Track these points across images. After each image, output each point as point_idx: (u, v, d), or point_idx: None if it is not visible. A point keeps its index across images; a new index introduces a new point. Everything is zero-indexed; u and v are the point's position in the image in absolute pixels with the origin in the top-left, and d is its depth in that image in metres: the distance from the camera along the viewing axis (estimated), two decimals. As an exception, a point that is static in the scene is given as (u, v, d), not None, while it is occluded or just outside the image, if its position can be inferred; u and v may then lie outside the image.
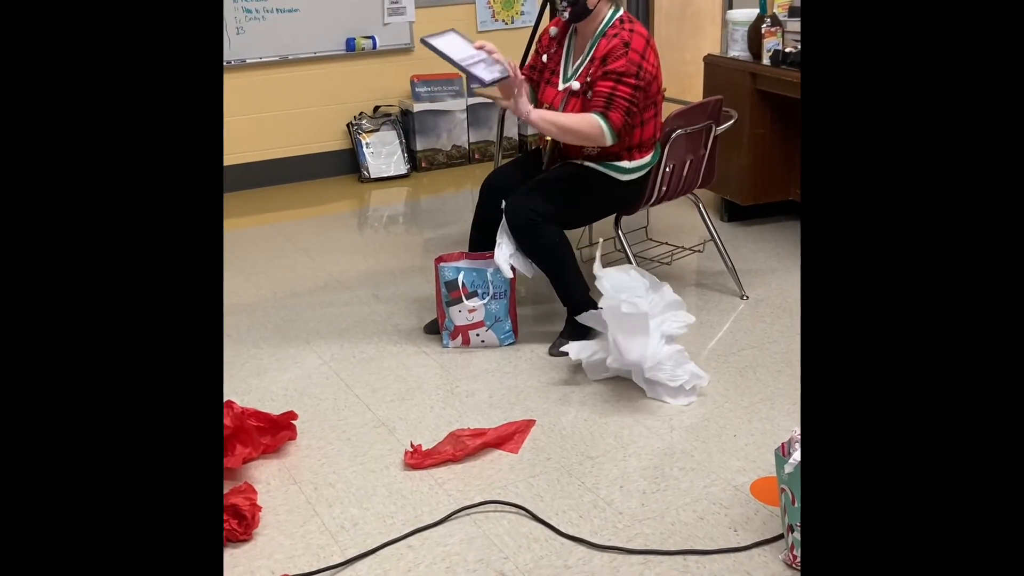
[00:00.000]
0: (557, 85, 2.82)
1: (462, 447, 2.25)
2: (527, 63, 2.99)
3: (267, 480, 2.20)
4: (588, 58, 2.73)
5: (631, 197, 2.91)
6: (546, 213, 2.71)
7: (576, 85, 2.74)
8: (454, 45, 2.73)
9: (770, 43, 3.56)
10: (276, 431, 2.31)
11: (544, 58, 2.90)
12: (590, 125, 2.65)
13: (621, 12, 2.76)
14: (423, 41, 2.72)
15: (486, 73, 2.67)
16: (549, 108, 2.80)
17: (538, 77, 2.92)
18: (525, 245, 2.74)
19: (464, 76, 2.77)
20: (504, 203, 2.76)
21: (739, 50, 3.75)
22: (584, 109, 2.72)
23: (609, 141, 2.69)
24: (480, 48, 2.71)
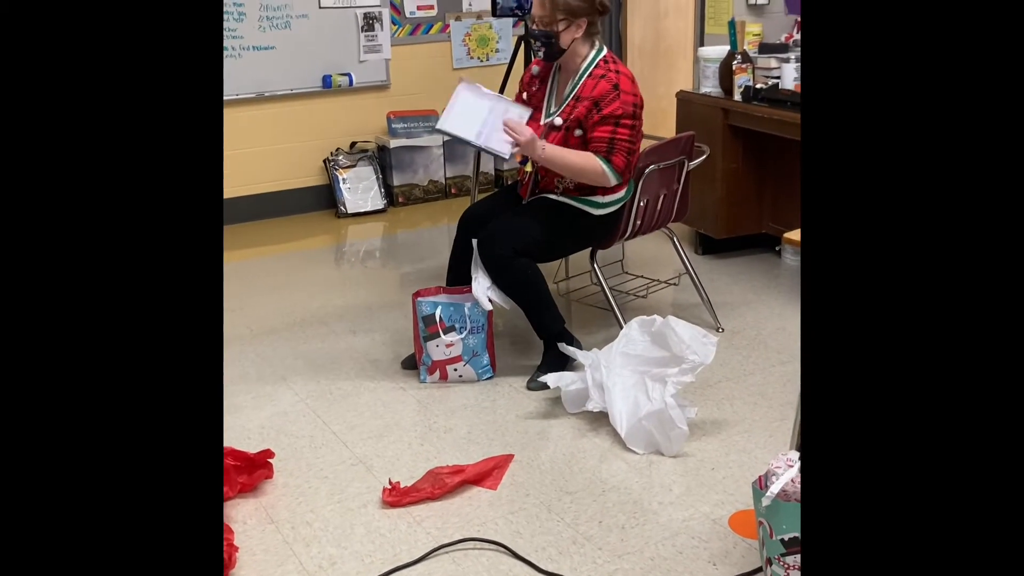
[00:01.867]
0: (539, 120, 2.85)
1: (441, 485, 2.24)
2: (516, 97, 3.02)
3: (243, 519, 2.18)
4: (572, 95, 2.76)
5: (605, 231, 2.93)
6: (518, 247, 2.73)
7: (558, 121, 2.77)
8: (467, 114, 2.75)
9: (741, 79, 3.63)
10: (252, 469, 2.29)
11: (525, 96, 2.94)
12: (593, 168, 2.71)
13: (605, 52, 2.79)
14: (437, 129, 2.79)
15: (504, 146, 2.72)
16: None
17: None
18: (498, 279, 2.76)
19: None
20: (477, 237, 2.78)
21: (711, 86, 3.82)
22: (566, 144, 2.76)
23: (613, 182, 2.75)
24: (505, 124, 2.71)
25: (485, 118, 2.77)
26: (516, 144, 2.69)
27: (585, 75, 2.75)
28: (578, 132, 2.74)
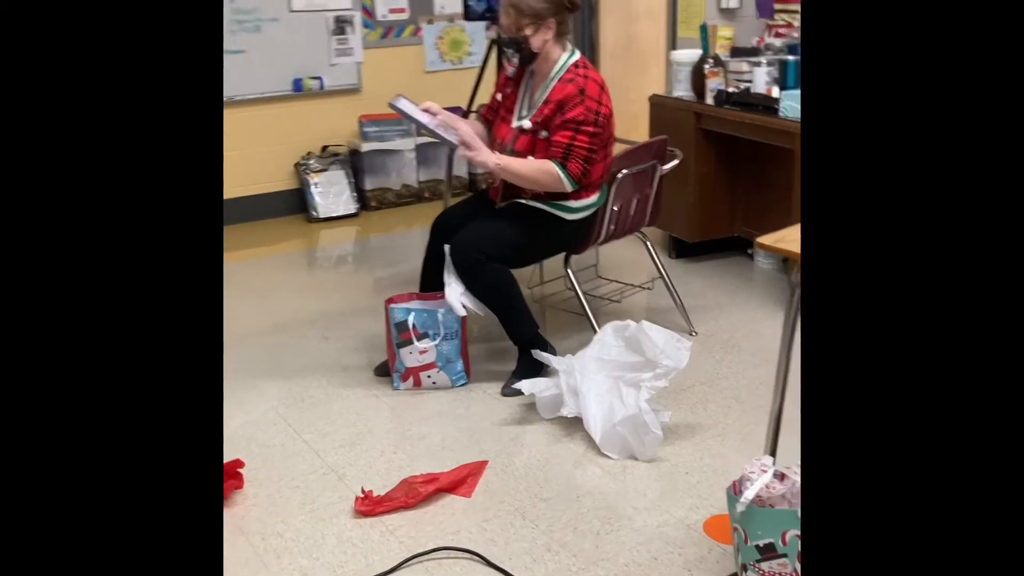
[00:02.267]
0: (511, 122, 2.84)
1: (414, 494, 2.22)
2: (488, 105, 3.01)
3: (213, 531, 2.14)
4: (543, 99, 2.75)
5: (578, 236, 2.93)
6: (491, 252, 2.71)
7: (527, 124, 2.76)
8: (413, 109, 2.78)
9: (713, 83, 3.64)
10: (222, 480, 2.25)
11: (499, 96, 2.93)
12: (548, 174, 2.69)
13: (576, 57, 2.78)
14: (392, 105, 2.78)
15: (451, 135, 2.74)
16: (500, 144, 2.83)
17: (494, 116, 2.95)
18: (470, 284, 2.74)
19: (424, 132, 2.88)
20: (449, 242, 2.76)
21: (683, 90, 3.83)
22: (534, 147, 2.74)
23: (568, 188, 2.72)
24: (426, 111, 2.75)
25: (428, 119, 2.78)
26: (467, 149, 2.68)
27: (556, 79, 2.74)
28: (543, 134, 2.74)
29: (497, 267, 2.73)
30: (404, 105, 2.75)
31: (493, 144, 2.88)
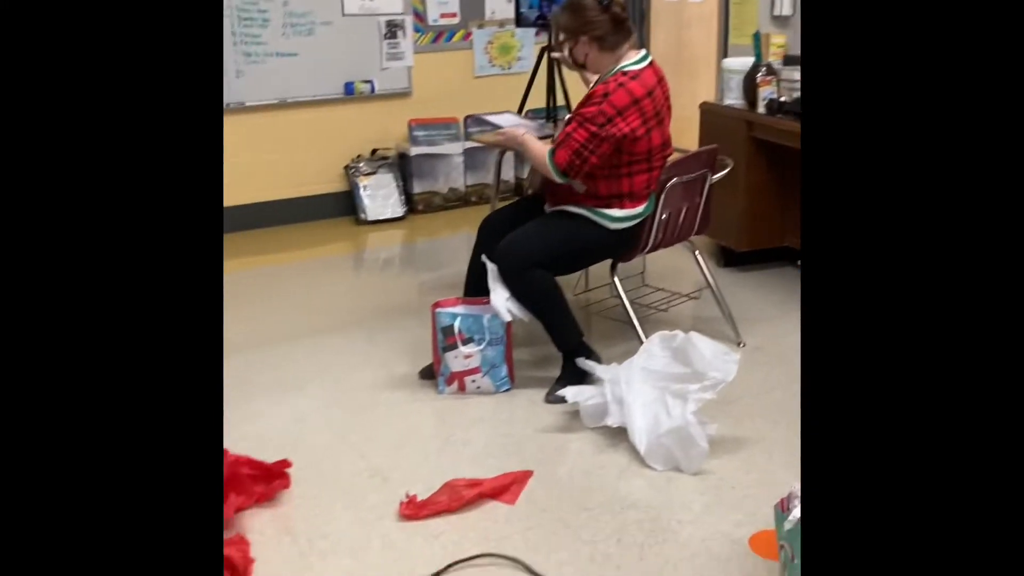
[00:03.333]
0: None
1: (458, 498, 2.22)
2: None
3: (260, 530, 2.17)
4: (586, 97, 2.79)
5: (624, 245, 2.91)
6: (535, 257, 2.71)
7: (567, 116, 2.87)
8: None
9: (765, 92, 3.60)
10: (269, 480, 2.28)
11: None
12: (542, 157, 2.76)
13: (640, 66, 2.73)
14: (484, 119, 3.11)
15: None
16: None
17: None
18: (515, 289, 2.74)
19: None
20: (495, 248, 2.76)
21: (734, 98, 3.79)
22: None
23: (554, 176, 2.75)
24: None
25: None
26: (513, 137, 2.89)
27: (600, 81, 2.76)
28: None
29: (541, 273, 2.73)
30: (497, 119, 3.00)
31: None
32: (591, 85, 2.81)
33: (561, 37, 2.82)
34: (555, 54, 3.13)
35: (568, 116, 2.86)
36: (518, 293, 2.75)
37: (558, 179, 2.74)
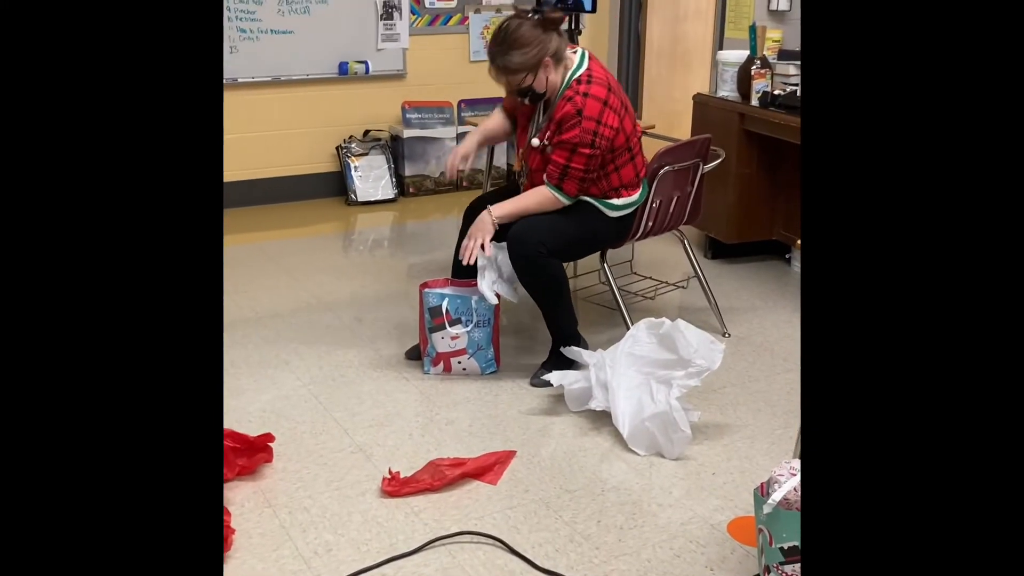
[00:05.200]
0: (528, 133, 2.84)
1: (440, 476, 2.23)
2: (506, 96, 2.99)
3: (241, 502, 2.17)
4: (549, 117, 2.73)
5: (619, 232, 2.92)
6: (549, 246, 2.70)
7: (535, 142, 2.76)
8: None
9: (759, 85, 3.61)
10: (252, 453, 2.28)
11: (516, 106, 2.90)
12: (547, 199, 2.70)
13: (583, 69, 2.69)
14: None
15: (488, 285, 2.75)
16: (522, 154, 2.87)
17: (514, 109, 2.95)
18: (527, 277, 2.72)
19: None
20: (507, 234, 2.72)
21: (728, 90, 3.80)
22: (542, 166, 2.74)
23: (567, 204, 2.73)
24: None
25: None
26: (472, 244, 2.69)
27: (559, 98, 2.70)
28: (549, 150, 2.72)
29: (555, 262, 2.73)
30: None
31: (517, 145, 2.92)
32: (551, 103, 2.73)
33: (520, 80, 2.64)
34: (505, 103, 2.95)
35: (539, 142, 2.73)
36: (529, 280, 2.73)
37: (567, 204, 2.72)
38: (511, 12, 3.22)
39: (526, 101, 2.75)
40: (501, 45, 2.64)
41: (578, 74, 2.69)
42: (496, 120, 3.04)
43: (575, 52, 2.75)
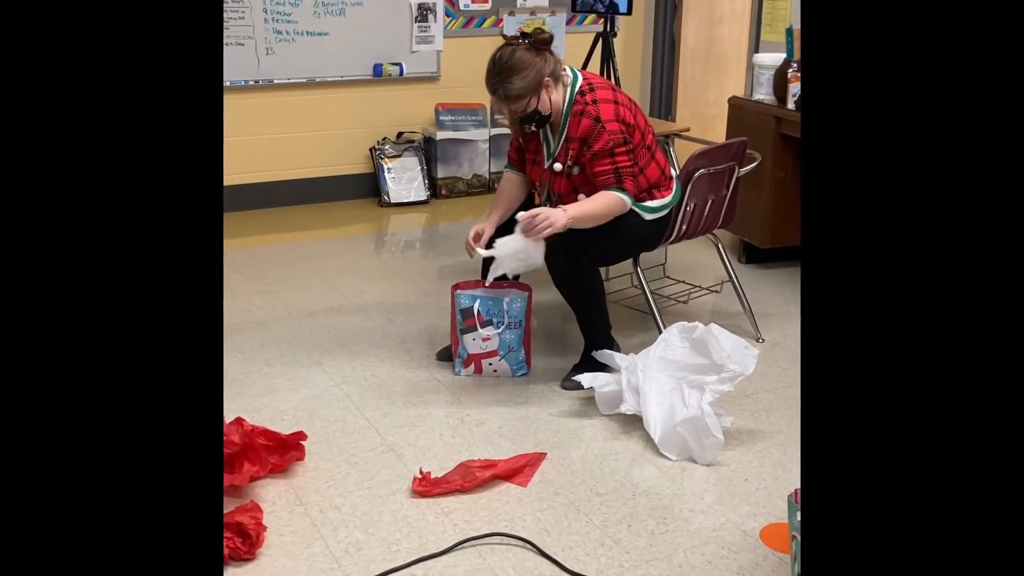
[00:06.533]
0: (542, 164, 2.80)
1: (471, 478, 2.23)
2: (511, 147, 2.95)
3: (273, 500, 2.19)
4: (563, 137, 2.70)
5: (654, 235, 2.90)
6: (588, 252, 2.69)
7: (557, 167, 2.72)
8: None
9: (795, 88, 3.57)
10: (285, 451, 2.30)
11: (520, 138, 2.87)
12: (616, 202, 2.65)
13: (580, 83, 2.68)
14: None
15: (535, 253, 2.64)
16: (539, 185, 2.82)
17: (521, 157, 2.90)
18: (564, 283, 2.71)
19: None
20: (548, 243, 2.68)
21: (764, 93, 3.77)
22: (574, 185, 2.71)
23: (631, 206, 2.70)
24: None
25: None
26: (539, 227, 2.57)
27: (568, 116, 2.68)
28: (576, 170, 2.70)
29: (593, 269, 2.72)
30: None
31: (532, 186, 2.87)
32: (559, 125, 2.70)
33: (524, 105, 2.62)
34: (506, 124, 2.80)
35: (560, 166, 2.69)
36: (567, 287, 2.73)
37: (631, 206, 2.69)
38: (545, 15, 3.20)
39: (533, 127, 2.72)
40: (500, 74, 2.62)
41: (578, 87, 2.69)
42: (508, 187, 2.91)
43: (567, 70, 2.74)
